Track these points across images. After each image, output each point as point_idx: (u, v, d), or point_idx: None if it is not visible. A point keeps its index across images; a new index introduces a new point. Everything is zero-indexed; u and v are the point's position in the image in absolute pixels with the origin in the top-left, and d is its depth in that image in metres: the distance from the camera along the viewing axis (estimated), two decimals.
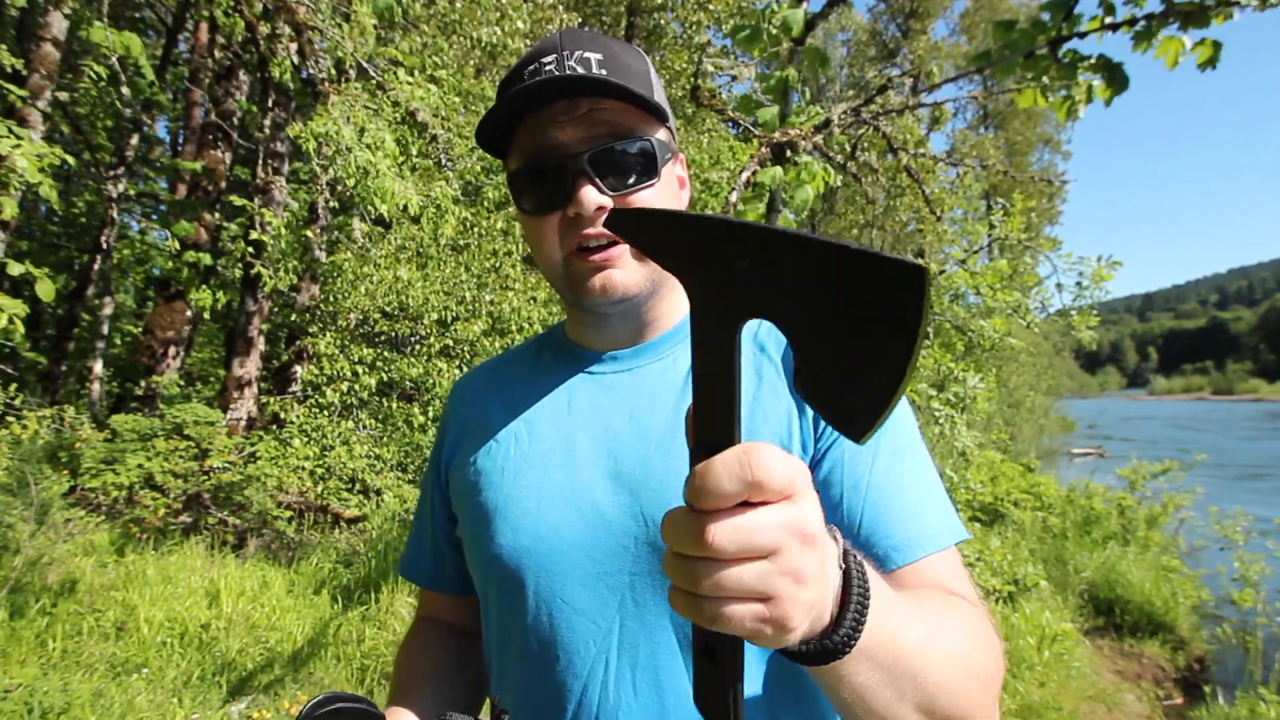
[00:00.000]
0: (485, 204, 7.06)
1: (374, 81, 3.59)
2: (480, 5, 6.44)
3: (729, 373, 0.40)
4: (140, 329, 9.01)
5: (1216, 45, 1.95)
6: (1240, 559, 5.56)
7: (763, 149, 2.47)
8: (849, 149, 3.08)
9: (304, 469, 5.82)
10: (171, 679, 3.31)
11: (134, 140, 8.80)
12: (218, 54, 7.80)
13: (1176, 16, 1.92)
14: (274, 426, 6.34)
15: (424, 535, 0.93)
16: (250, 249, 6.13)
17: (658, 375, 0.78)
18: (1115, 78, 2.11)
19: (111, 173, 8.45)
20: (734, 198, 2.54)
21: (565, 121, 0.72)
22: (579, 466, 0.75)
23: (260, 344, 7.03)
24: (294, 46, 3.43)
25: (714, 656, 0.43)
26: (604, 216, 0.71)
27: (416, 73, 4.32)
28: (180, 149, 10.72)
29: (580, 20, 8.32)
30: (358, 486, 6.09)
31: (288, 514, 5.30)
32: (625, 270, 0.73)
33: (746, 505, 0.39)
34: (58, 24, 5.43)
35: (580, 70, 0.71)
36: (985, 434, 8.83)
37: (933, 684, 0.52)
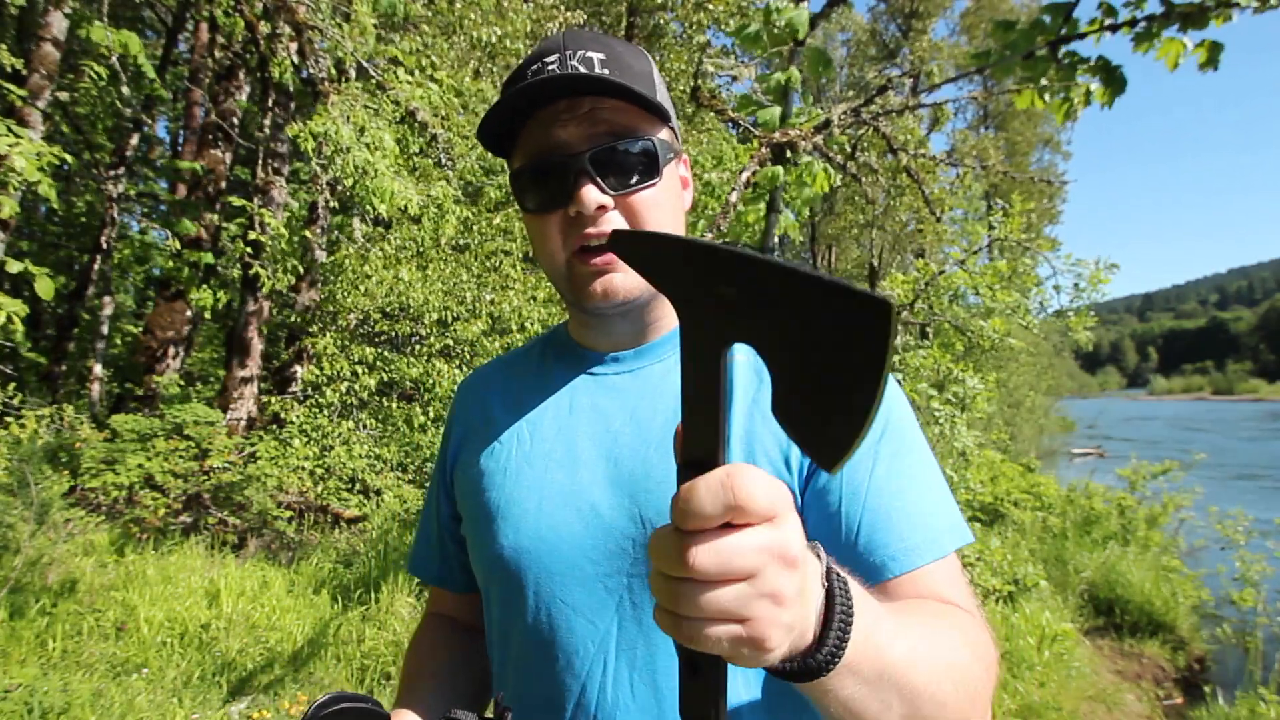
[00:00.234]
0: (486, 204, 7.06)
1: (374, 81, 3.59)
2: (480, 6, 6.44)
3: (714, 394, 0.41)
4: (140, 329, 9.02)
5: (1217, 46, 1.95)
6: (1241, 559, 5.56)
7: (763, 149, 2.47)
8: (849, 149, 3.08)
9: (304, 469, 5.82)
10: (171, 679, 3.31)
11: (134, 140, 8.80)
12: (218, 54, 7.80)
13: (1176, 18, 1.92)
14: (274, 426, 6.34)
15: (431, 534, 0.94)
16: (249, 249, 6.13)
17: (660, 376, 0.78)
18: (1114, 80, 2.11)
19: (111, 173, 8.45)
20: (734, 198, 2.54)
21: (567, 120, 0.72)
22: (580, 467, 0.75)
23: (260, 344, 7.04)
24: (294, 46, 3.43)
25: (697, 670, 0.44)
26: (605, 215, 0.71)
27: (416, 72, 4.32)
28: (180, 149, 10.72)
29: (581, 20, 8.32)
30: (358, 486, 6.09)
31: (288, 514, 5.30)
32: (626, 274, 0.73)
33: (730, 527, 0.39)
34: (58, 24, 5.43)
35: (583, 69, 0.71)
36: (985, 434, 8.83)
37: (919, 696, 0.53)
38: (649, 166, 0.74)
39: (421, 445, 6.35)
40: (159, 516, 4.95)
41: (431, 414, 6.38)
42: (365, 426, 6.50)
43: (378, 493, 6.02)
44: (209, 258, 6.73)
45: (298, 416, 6.26)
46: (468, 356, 6.39)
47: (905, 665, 0.52)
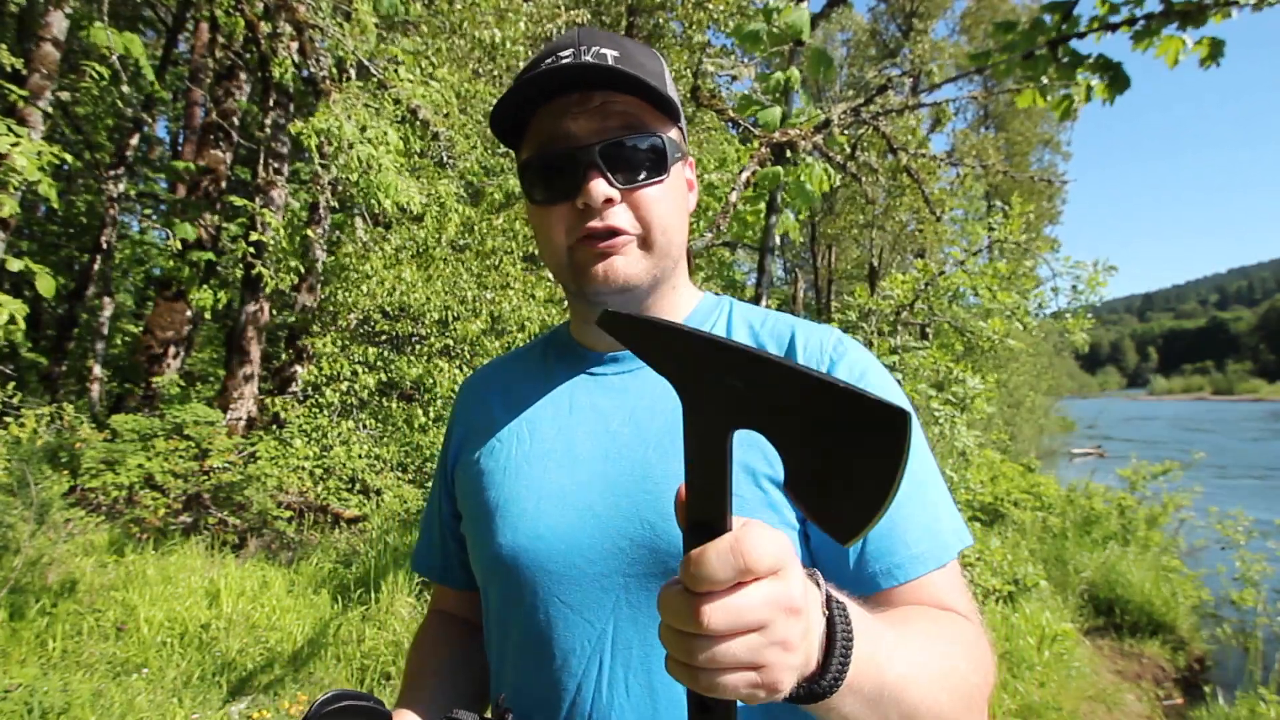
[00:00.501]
0: (488, 204, 7.06)
1: (375, 80, 3.59)
2: (480, 6, 6.44)
3: (721, 465, 0.42)
4: (140, 329, 9.02)
5: (1217, 43, 1.95)
6: (1241, 559, 5.56)
7: (763, 149, 2.47)
8: (849, 149, 3.08)
9: (304, 469, 5.82)
10: (171, 679, 3.31)
11: (134, 140, 8.80)
12: (218, 54, 7.80)
13: (1175, 16, 1.92)
14: (274, 426, 6.34)
15: (433, 531, 0.94)
16: (251, 249, 6.13)
17: (659, 377, 0.78)
18: (1116, 78, 2.11)
19: (111, 173, 8.45)
20: (734, 198, 2.54)
21: (579, 113, 0.72)
22: (578, 467, 0.75)
23: (260, 344, 7.03)
24: (295, 45, 3.43)
25: (708, 710, 0.46)
26: (612, 209, 0.71)
27: (417, 70, 4.32)
28: (180, 149, 10.72)
29: (582, 20, 8.32)
30: (358, 486, 6.09)
31: (288, 514, 5.30)
32: (629, 259, 0.74)
33: (736, 585, 0.42)
34: (58, 24, 5.43)
35: (594, 63, 0.71)
36: (985, 434, 8.83)
37: (917, 709, 0.54)
38: (657, 163, 0.74)
39: (421, 445, 6.35)
40: (159, 516, 4.95)
41: (432, 414, 6.38)
42: (365, 426, 6.50)
43: (378, 493, 6.02)
44: (209, 257, 6.73)
45: (298, 416, 6.26)
46: (468, 356, 6.39)
47: (904, 681, 0.53)
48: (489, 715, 0.75)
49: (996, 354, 8.40)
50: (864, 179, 3.17)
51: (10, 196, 3.20)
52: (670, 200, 0.76)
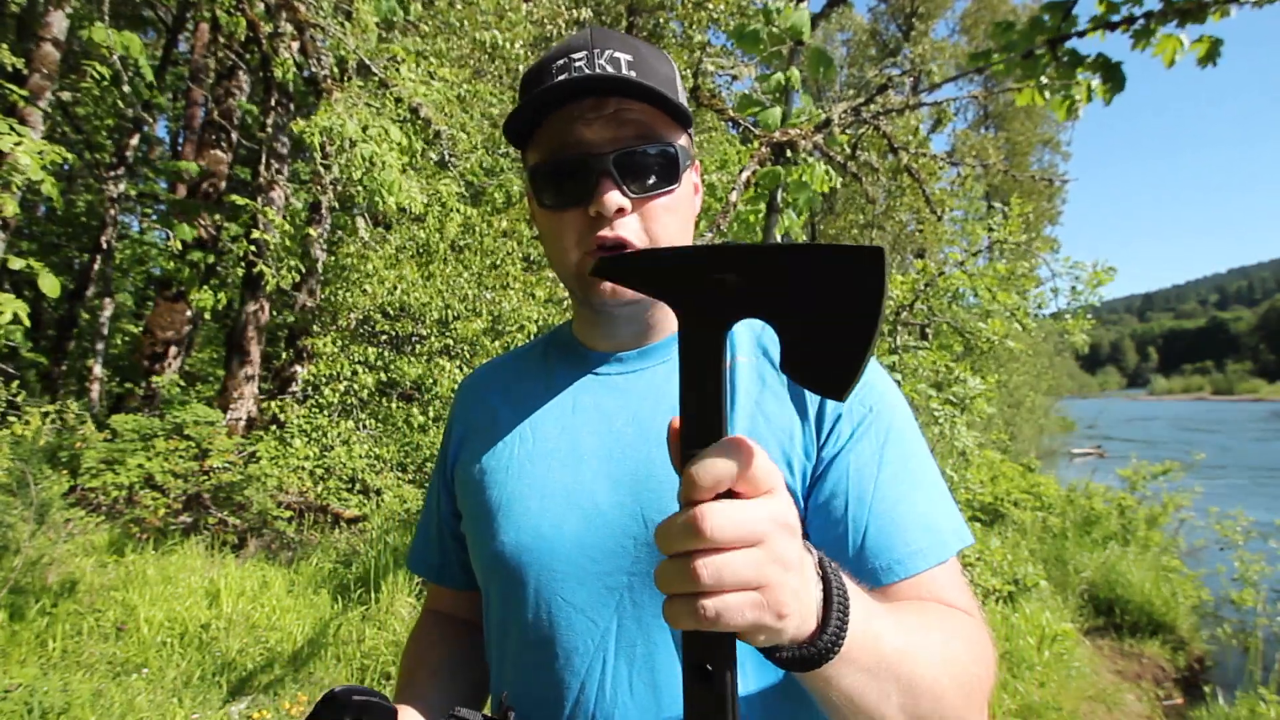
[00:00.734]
0: (489, 205, 7.07)
1: (376, 79, 3.59)
2: (479, 6, 6.45)
3: (718, 374, 0.45)
4: (140, 329, 9.02)
5: (1215, 41, 1.96)
6: (1240, 559, 5.56)
7: (763, 149, 2.47)
8: (849, 149, 3.08)
9: (304, 469, 5.82)
10: (171, 679, 3.31)
11: (134, 140, 8.80)
12: (219, 54, 7.80)
13: (1174, 14, 1.92)
14: (274, 426, 6.34)
15: (430, 530, 0.94)
16: (253, 248, 6.13)
17: (663, 378, 0.79)
18: (1113, 77, 2.11)
19: (112, 173, 8.45)
20: (734, 197, 2.54)
21: (593, 119, 0.72)
22: (582, 466, 0.75)
23: (260, 344, 7.03)
24: (296, 45, 3.43)
25: (708, 677, 0.44)
26: (623, 218, 0.72)
27: (418, 69, 4.32)
28: (180, 149, 10.72)
29: (582, 20, 8.32)
30: (358, 486, 6.09)
31: (288, 514, 5.30)
32: None
33: (732, 500, 0.42)
34: (58, 24, 5.43)
35: (610, 70, 0.72)
36: (985, 434, 8.84)
37: (917, 687, 0.54)
38: (669, 172, 0.74)
39: (421, 445, 6.35)
40: (159, 516, 4.95)
41: (431, 414, 6.38)
42: (365, 426, 6.50)
43: (378, 493, 6.02)
44: (211, 257, 6.73)
45: (298, 416, 6.26)
46: (468, 356, 6.39)
47: (903, 656, 0.53)
48: (492, 714, 0.75)
49: (996, 354, 8.41)
50: (864, 179, 3.17)
51: (11, 196, 3.21)
52: (680, 210, 0.77)
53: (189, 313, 7.26)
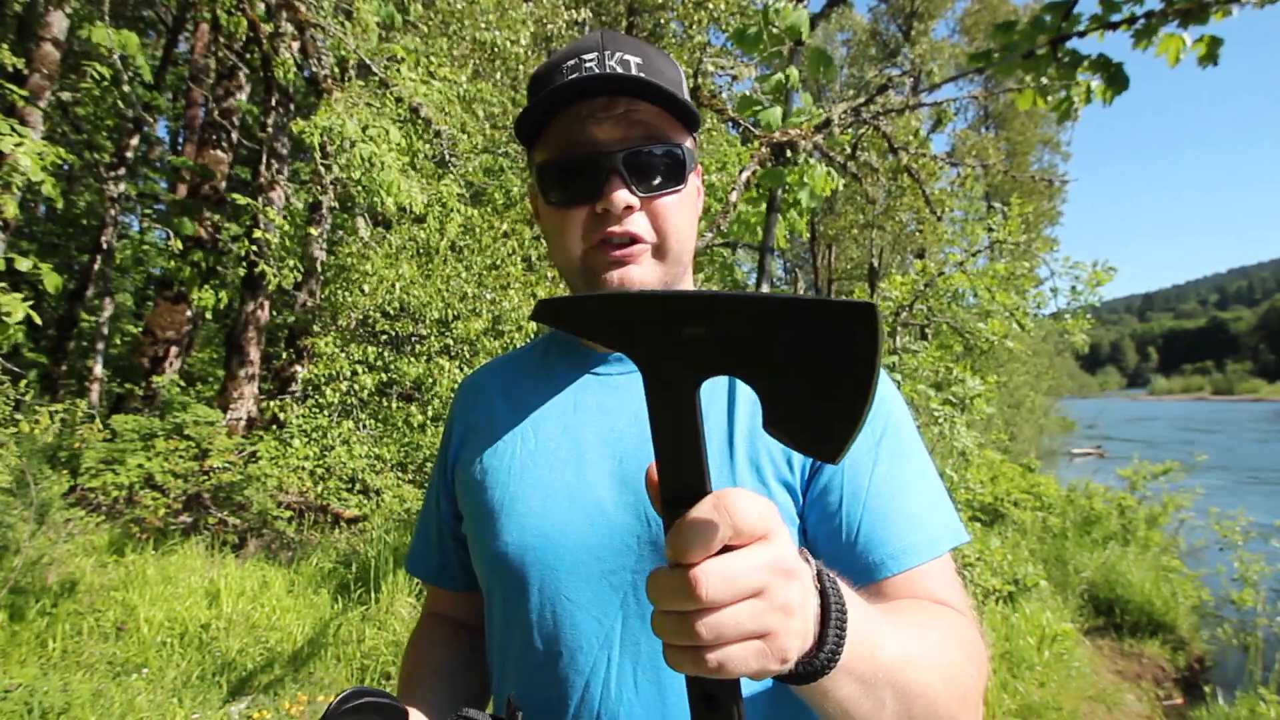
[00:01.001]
0: (489, 205, 7.07)
1: (376, 79, 3.59)
2: (480, 5, 6.45)
3: (694, 429, 0.41)
4: (140, 329, 9.01)
5: (1215, 41, 1.96)
6: (1240, 559, 5.56)
7: (763, 149, 2.47)
8: (849, 149, 3.08)
9: (304, 469, 5.82)
10: (171, 679, 3.31)
11: (134, 140, 8.80)
12: (219, 54, 7.80)
13: (1175, 14, 1.92)
14: (274, 426, 6.34)
15: (430, 532, 0.94)
16: (254, 248, 6.13)
17: None
18: (1115, 77, 2.11)
19: (112, 173, 8.45)
20: (734, 198, 2.54)
21: (603, 119, 0.73)
22: (584, 466, 0.76)
23: (260, 344, 7.03)
24: (296, 45, 3.43)
25: (715, 704, 0.43)
26: (631, 216, 0.73)
27: (418, 69, 4.32)
28: (180, 149, 10.73)
29: (583, 20, 8.32)
30: (358, 486, 6.09)
31: (288, 514, 5.30)
32: (643, 268, 0.75)
33: (726, 553, 0.41)
34: (58, 24, 5.43)
35: (620, 71, 0.73)
36: (985, 434, 8.84)
37: (911, 694, 0.54)
38: (676, 172, 0.75)
39: (421, 445, 6.35)
40: (159, 516, 4.95)
41: (431, 413, 6.38)
42: (365, 426, 6.50)
43: (378, 493, 6.02)
44: (210, 257, 6.73)
45: (297, 416, 6.26)
46: (467, 356, 6.39)
47: (898, 664, 0.53)
48: (500, 715, 0.75)
49: (996, 355, 8.41)
50: (864, 179, 3.18)
51: (11, 197, 3.21)
52: (685, 210, 0.78)
53: (189, 313, 7.26)
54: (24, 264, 3.09)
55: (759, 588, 0.41)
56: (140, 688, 3.16)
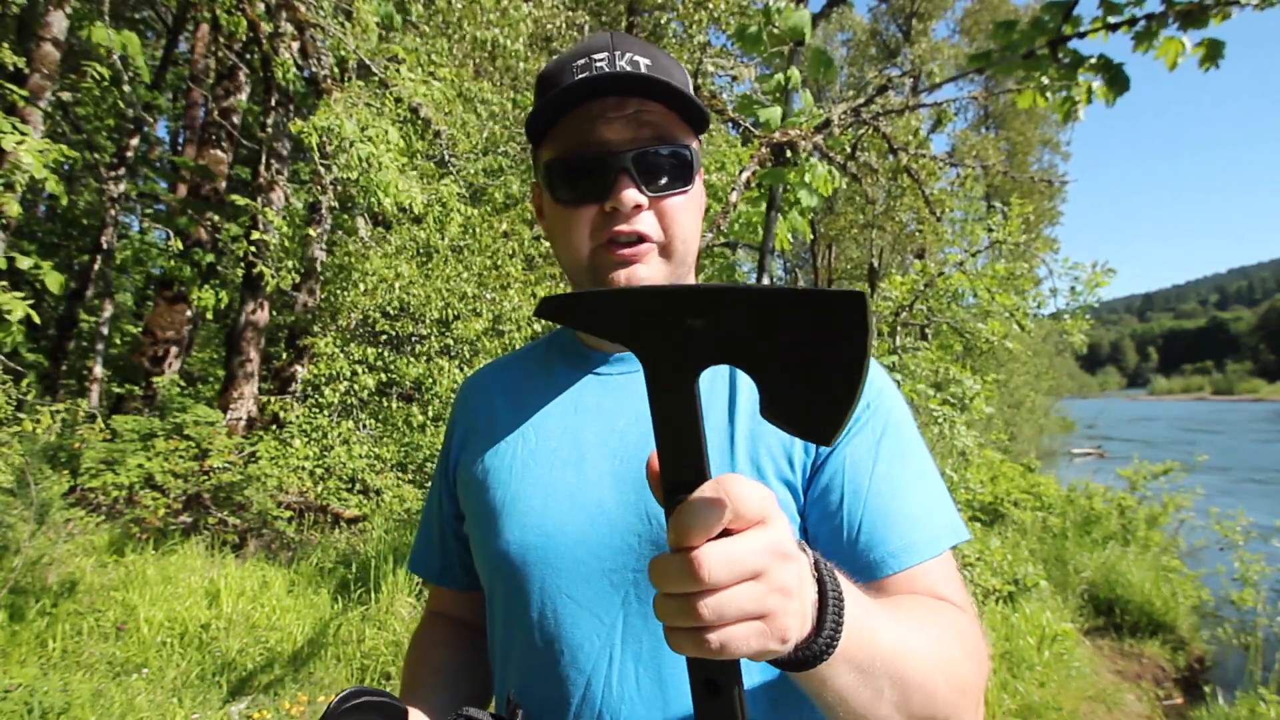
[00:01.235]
0: (489, 205, 7.06)
1: (376, 79, 3.59)
2: (481, 5, 6.44)
3: (695, 419, 0.43)
4: (140, 329, 9.01)
5: (1216, 44, 1.96)
6: (1240, 559, 5.56)
7: (763, 149, 2.47)
8: (849, 149, 3.08)
9: (304, 469, 5.82)
10: (171, 679, 3.31)
11: (134, 140, 8.80)
12: (219, 54, 7.80)
13: (1176, 17, 1.92)
14: (274, 426, 6.34)
15: (432, 532, 0.94)
16: (253, 249, 6.13)
17: None
18: (1116, 78, 2.11)
19: (112, 173, 8.44)
20: (734, 198, 2.54)
21: (613, 119, 0.73)
22: (585, 466, 0.76)
23: (260, 344, 7.03)
24: (296, 45, 3.43)
25: (717, 690, 0.44)
26: (639, 215, 0.73)
27: (418, 69, 4.32)
28: (180, 149, 10.72)
29: (583, 21, 8.32)
30: (358, 486, 6.09)
31: (288, 514, 5.30)
32: (650, 268, 0.75)
33: (725, 537, 0.42)
34: (58, 24, 5.43)
35: (631, 71, 0.73)
36: (985, 434, 8.84)
37: (910, 685, 0.54)
38: (684, 173, 0.76)
39: (421, 445, 6.35)
40: (159, 516, 4.95)
41: (431, 414, 6.38)
42: (365, 426, 6.50)
43: (378, 493, 6.02)
44: (211, 257, 6.73)
45: (297, 416, 6.26)
46: (468, 356, 6.39)
47: (897, 653, 0.53)
48: (500, 714, 0.75)
49: (996, 355, 8.42)
50: (864, 179, 3.18)
51: (13, 196, 3.21)
52: (692, 210, 0.79)
53: (189, 313, 7.26)
54: (25, 263, 3.09)
55: (758, 570, 0.42)
56: (140, 688, 3.16)
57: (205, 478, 5.24)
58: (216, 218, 6.94)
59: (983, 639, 0.65)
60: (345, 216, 7.64)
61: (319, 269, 7.15)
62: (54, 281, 3.07)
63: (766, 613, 0.42)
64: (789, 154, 2.45)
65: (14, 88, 4.33)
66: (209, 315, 8.88)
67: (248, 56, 6.98)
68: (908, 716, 0.55)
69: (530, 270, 6.87)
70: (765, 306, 0.39)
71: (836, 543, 0.69)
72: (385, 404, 6.61)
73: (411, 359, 6.41)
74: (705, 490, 0.41)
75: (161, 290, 7.48)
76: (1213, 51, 1.97)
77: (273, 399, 6.53)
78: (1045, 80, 2.16)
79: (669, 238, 0.76)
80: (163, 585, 4.05)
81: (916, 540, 0.68)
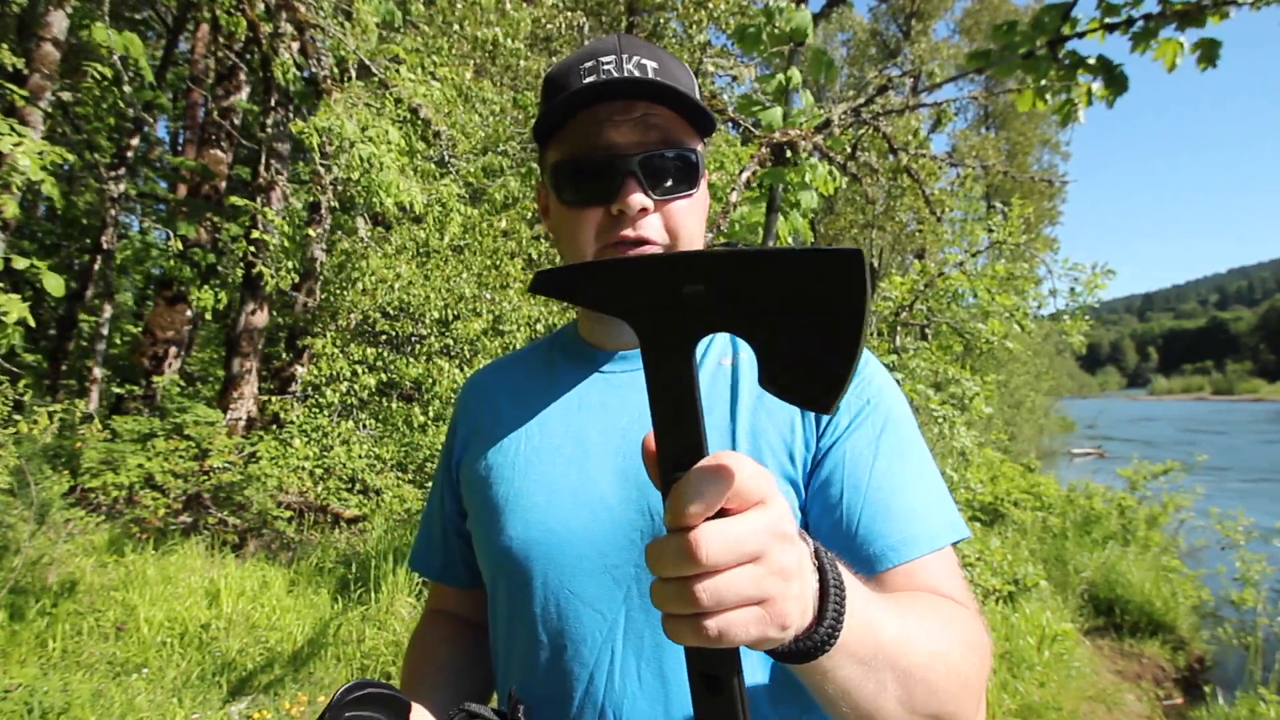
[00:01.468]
0: (489, 205, 7.06)
1: (376, 79, 3.59)
2: (481, 4, 6.45)
3: (691, 390, 0.42)
4: (140, 329, 9.01)
5: (1213, 44, 1.96)
6: (1241, 559, 5.56)
7: (763, 149, 2.47)
8: (849, 149, 3.08)
9: (304, 469, 5.82)
10: (171, 679, 3.31)
11: (134, 140, 8.80)
12: (219, 54, 7.80)
13: (1174, 17, 1.93)
14: (274, 426, 6.34)
15: (434, 529, 0.95)
16: (252, 249, 6.13)
17: None
18: (1115, 79, 2.11)
19: (112, 173, 8.44)
20: (735, 198, 2.55)
21: (620, 122, 0.74)
22: (589, 462, 0.76)
23: (260, 344, 7.03)
24: (296, 45, 3.43)
25: (717, 685, 0.43)
26: (645, 218, 0.74)
27: (419, 69, 4.32)
28: (180, 149, 10.72)
29: (583, 21, 8.32)
30: (358, 486, 6.09)
31: (288, 514, 5.30)
32: None
33: (723, 518, 0.41)
34: (58, 24, 5.43)
35: (638, 74, 0.74)
36: (985, 434, 8.84)
37: (912, 678, 0.54)
38: (690, 176, 0.77)
39: (421, 445, 6.35)
40: (159, 516, 4.95)
41: (431, 413, 6.38)
42: (365, 426, 6.50)
43: (378, 492, 6.02)
44: (210, 257, 6.73)
45: (297, 416, 6.26)
46: (468, 356, 6.39)
47: (898, 646, 0.53)
48: (502, 709, 0.75)
49: (995, 355, 8.42)
50: (864, 179, 3.18)
51: (11, 197, 3.21)
52: (696, 213, 0.79)
53: (189, 313, 7.26)
54: (20, 263, 3.09)
55: (758, 551, 0.40)
56: (140, 688, 3.16)
57: (205, 478, 5.24)
58: (216, 219, 6.94)
59: (985, 634, 0.65)
60: (345, 217, 7.64)
61: (319, 269, 7.15)
62: (54, 284, 3.06)
63: (766, 597, 0.41)
64: (789, 154, 2.45)
65: (14, 88, 4.33)
66: (209, 315, 8.88)
67: (248, 57, 6.98)
68: (910, 711, 0.55)
69: (530, 270, 6.86)
70: (762, 267, 0.38)
71: (836, 537, 0.69)
72: (385, 404, 6.61)
73: (411, 359, 6.41)
74: (704, 466, 0.40)
75: (161, 290, 7.48)
76: (1209, 51, 1.97)
77: (273, 399, 6.53)
78: (1045, 81, 2.16)
79: (674, 240, 0.76)
80: (163, 585, 4.05)
81: (916, 534, 0.68)
